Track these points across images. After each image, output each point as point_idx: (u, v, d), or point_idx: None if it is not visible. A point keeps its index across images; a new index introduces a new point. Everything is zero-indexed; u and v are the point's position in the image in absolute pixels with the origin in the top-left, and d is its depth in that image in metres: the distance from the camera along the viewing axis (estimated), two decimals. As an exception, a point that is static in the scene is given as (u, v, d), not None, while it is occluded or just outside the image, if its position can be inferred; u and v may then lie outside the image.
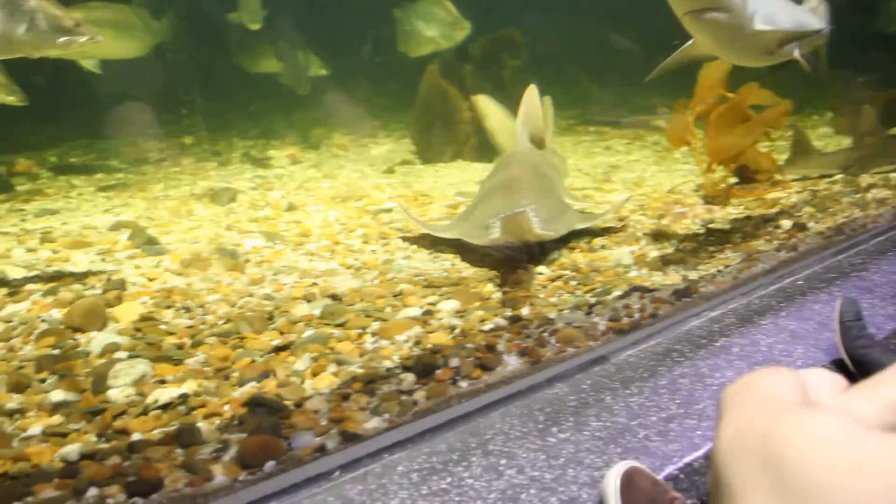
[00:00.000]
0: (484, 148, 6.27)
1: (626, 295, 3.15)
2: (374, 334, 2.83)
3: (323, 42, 7.85)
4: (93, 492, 1.96)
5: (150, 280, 3.65)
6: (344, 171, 6.32)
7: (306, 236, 4.31)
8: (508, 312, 2.93)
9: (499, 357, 2.60)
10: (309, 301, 3.21)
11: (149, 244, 4.31)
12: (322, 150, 7.41)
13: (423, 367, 2.48)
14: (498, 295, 3.15)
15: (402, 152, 6.86)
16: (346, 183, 5.80)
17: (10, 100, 4.88)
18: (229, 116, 8.86)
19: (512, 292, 3.17)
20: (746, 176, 5.15)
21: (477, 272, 3.45)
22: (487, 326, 2.81)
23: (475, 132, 6.28)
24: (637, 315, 3.00)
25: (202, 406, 2.36)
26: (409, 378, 2.44)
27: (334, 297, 3.24)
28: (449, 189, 5.36)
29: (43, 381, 2.66)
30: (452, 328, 2.82)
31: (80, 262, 4.02)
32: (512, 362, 2.61)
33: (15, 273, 3.86)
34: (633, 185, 5.48)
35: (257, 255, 3.95)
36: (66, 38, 2.98)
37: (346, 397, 2.35)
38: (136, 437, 2.21)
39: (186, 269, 3.77)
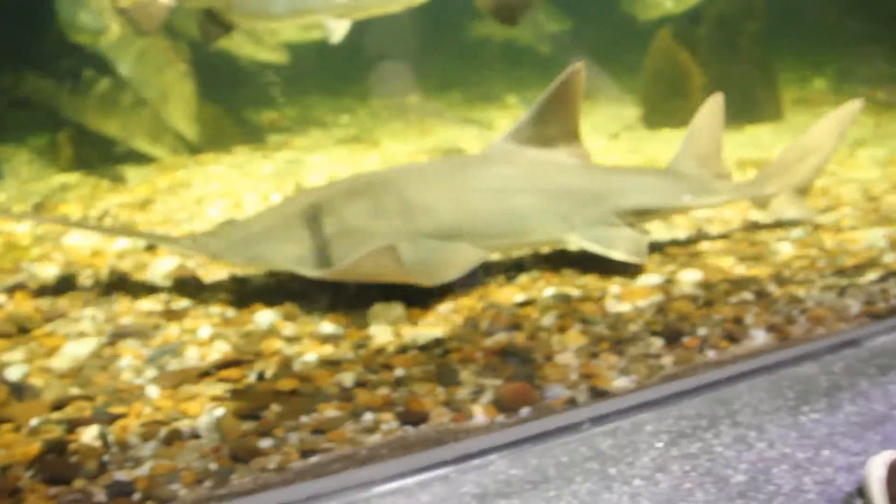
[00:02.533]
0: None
1: (882, 279, 2.99)
2: (614, 297, 2.89)
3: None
4: (368, 416, 2.18)
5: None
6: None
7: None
8: (754, 287, 2.88)
9: (746, 330, 2.58)
10: (547, 260, 3.32)
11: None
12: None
13: (671, 333, 2.51)
14: (740, 269, 3.10)
15: (626, 117, 6.77)
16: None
17: (274, 57, 5.33)
18: (452, 77, 9.07)
19: (754, 268, 3.10)
20: None
21: (714, 245, 3.40)
22: (734, 299, 2.78)
23: (705, 99, 6.08)
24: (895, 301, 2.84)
25: (456, 350, 2.53)
26: (657, 343, 2.48)
27: (571, 259, 3.31)
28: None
29: (310, 313, 2.95)
30: (696, 298, 2.82)
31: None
32: (759, 337, 2.57)
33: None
34: (885, 162, 5.10)
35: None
36: None
37: (594, 355, 2.43)
38: (399, 372, 2.41)
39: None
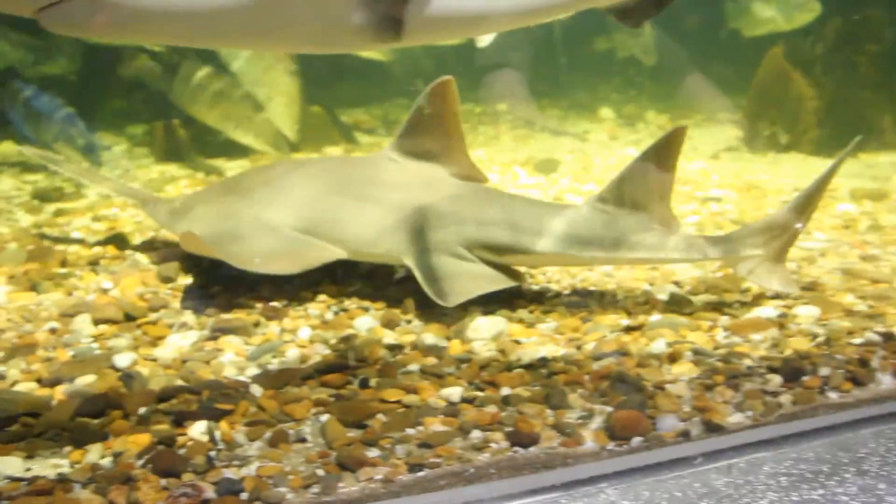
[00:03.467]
0: (826, 141, 5.80)
1: None
2: (725, 329, 2.78)
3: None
4: (476, 434, 2.13)
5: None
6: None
7: (635, 217, 4.30)
8: (880, 328, 2.74)
9: (872, 374, 2.45)
10: (651, 284, 3.23)
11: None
12: (639, 128, 7.33)
13: (790, 370, 2.41)
14: (862, 307, 2.95)
15: (726, 138, 6.59)
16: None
17: (379, 55, 5.39)
18: (542, 86, 8.95)
19: (879, 307, 2.94)
20: None
21: (833, 280, 3.25)
22: (857, 340, 2.65)
23: (818, 123, 5.85)
24: None
25: (563, 372, 2.47)
26: (775, 380, 2.37)
27: (677, 284, 3.22)
28: (784, 182, 5.07)
29: (409, 322, 2.93)
30: (815, 336, 2.69)
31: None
32: (886, 381, 2.44)
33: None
34: None
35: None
36: None
37: (709, 388, 2.34)
38: (505, 390, 2.36)
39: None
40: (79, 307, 3.03)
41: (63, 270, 3.50)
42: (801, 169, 5.56)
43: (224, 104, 5.60)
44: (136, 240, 3.93)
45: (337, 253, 3.04)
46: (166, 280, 3.33)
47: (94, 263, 3.58)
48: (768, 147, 6.11)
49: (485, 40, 3.22)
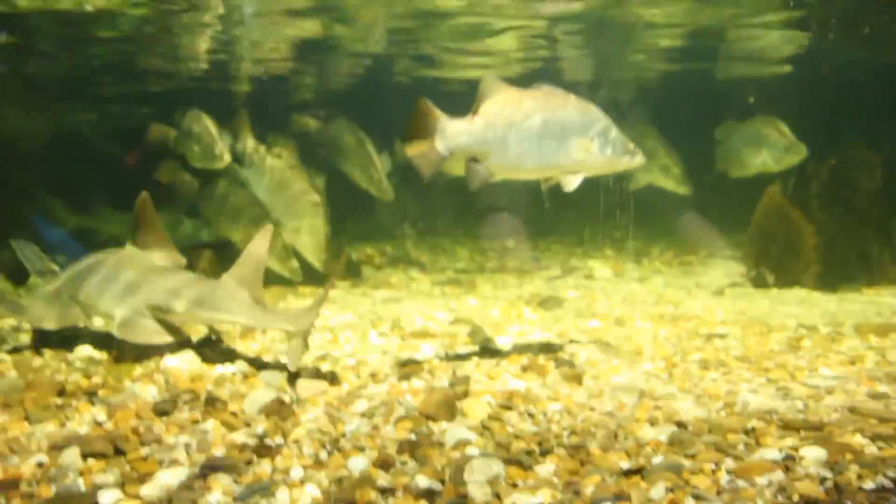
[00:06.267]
0: (829, 276, 5.82)
1: None
2: (729, 472, 2.69)
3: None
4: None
5: (491, 379, 3.81)
6: (669, 289, 6.23)
7: (639, 354, 4.27)
8: (891, 473, 2.63)
9: (884, 524, 2.33)
10: (653, 425, 3.15)
11: (486, 343, 4.53)
12: (643, 265, 7.39)
13: (797, 519, 2.29)
14: (872, 450, 2.85)
15: (729, 273, 6.63)
16: (673, 301, 5.69)
17: (381, 194, 5.54)
18: (546, 224, 9.09)
19: (889, 449, 2.84)
20: None
21: (840, 419, 3.16)
22: (868, 485, 2.54)
23: (819, 259, 5.89)
24: None
25: (559, 519, 2.37)
26: (782, 530, 2.26)
27: (679, 425, 3.14)
28: (788, 318, 5.03)
29: (404, 463, 2.84)
30: (822, 480, 2.59)
31: (425, 352, 4.32)
32: (900, 533, 2.32)
33: (371, 356, 4.25)
34: None
35: (592, 368, 3.97)
36: (628, 159, 3.58)
37: (711, 537, 2.23)
38: (499, 537, 2.27)
39: (525, 374, 3.89)
40: (69, 439, 2.97)
41: (59, 401, 3.46)
42: (804, 304, 5.54)
43: (245, 221, 5.82)
44: (135, 371, 3.91)
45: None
46: (162, 413, 3.28)
47: (91, 394, 3.55)
48: (771, 283, 6.12)
49: (571, 186, 3.59)
